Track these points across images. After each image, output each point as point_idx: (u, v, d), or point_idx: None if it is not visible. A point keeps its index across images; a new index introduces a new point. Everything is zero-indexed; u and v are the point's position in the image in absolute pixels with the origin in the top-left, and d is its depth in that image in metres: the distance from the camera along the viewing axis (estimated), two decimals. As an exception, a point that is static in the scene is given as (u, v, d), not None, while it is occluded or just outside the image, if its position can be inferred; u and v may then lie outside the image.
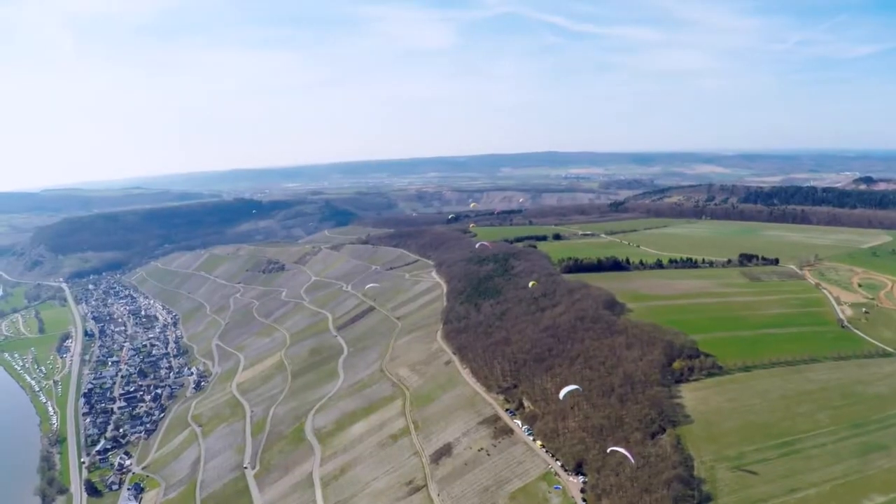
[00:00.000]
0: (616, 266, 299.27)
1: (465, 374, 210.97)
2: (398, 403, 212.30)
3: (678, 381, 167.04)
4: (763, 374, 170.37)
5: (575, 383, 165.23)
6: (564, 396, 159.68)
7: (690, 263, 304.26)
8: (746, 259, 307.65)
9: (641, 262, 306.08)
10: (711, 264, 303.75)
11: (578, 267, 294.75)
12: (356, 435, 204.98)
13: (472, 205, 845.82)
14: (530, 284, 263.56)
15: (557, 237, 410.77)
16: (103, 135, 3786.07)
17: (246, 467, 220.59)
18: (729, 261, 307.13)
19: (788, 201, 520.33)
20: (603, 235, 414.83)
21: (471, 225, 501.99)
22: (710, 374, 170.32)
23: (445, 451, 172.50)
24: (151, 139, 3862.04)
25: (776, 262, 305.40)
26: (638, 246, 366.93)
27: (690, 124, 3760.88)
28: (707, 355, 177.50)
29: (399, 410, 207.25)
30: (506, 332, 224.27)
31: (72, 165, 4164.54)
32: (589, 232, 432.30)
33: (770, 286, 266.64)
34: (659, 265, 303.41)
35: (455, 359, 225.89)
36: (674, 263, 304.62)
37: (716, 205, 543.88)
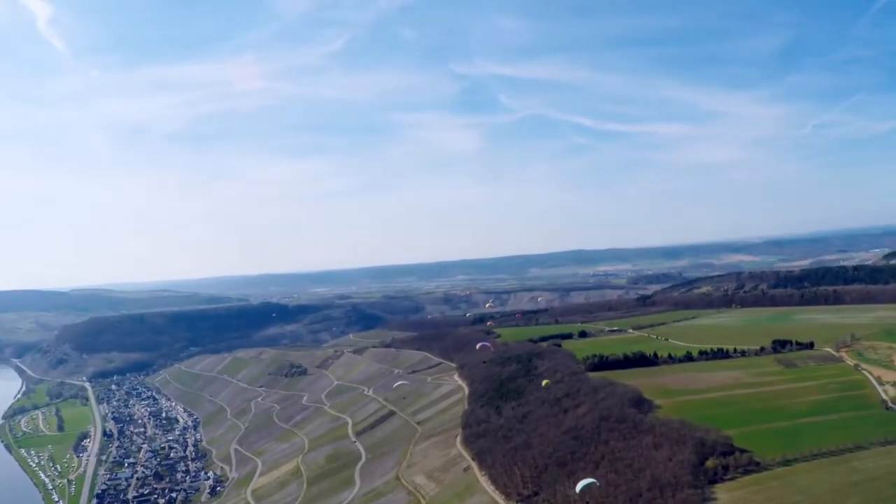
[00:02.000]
0: (643, 361, 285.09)
1: (484, 481, 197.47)
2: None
3: (712, 482, 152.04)
4: (805, 468, 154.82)
5: (601, 487, 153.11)
6: (581, 490, 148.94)
7: (721, 354, 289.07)
8: (780, 345, 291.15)
9: (670, 356, 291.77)
10: (744, 353, 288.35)
11: (604, 364, 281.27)
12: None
13: (486, 305, 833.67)
14: (543, 384, 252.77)
15: (583, 334, 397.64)
16: (135, 237, 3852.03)
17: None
18: (762, 348, 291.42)
19: (819, 283, 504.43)
20: (630, 330, 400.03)
21: (488, 323, 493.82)
22: (746, 472, 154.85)
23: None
24: (182, 243, 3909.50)
25: (811, 345, 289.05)
26: (666, 339, 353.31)
27: (718, 215, 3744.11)
28: (743, 451, 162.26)
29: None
30: (526, 436, 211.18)
31: (102, 266, 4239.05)
32: (616, 328, 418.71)
33: (807, 371, 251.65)
34: (689, 357, 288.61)
35: (474, 465, 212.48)
36: (704, 355, 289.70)
37: (745, 292, 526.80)
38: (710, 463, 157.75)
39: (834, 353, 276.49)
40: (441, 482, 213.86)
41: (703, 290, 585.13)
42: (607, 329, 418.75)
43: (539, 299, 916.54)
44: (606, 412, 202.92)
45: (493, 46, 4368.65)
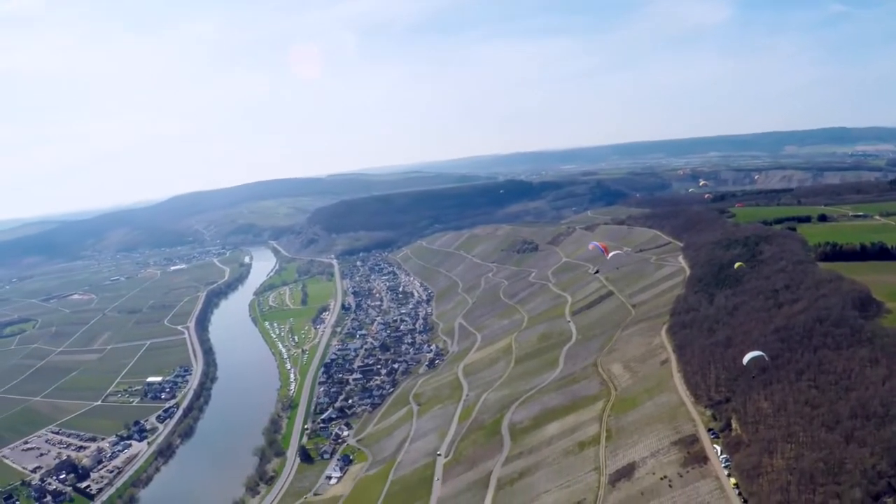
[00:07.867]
0: (883, 253, 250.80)
1: (678, 378, 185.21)
2: (599, 406, 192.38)
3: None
4: None
5: (798, 405, 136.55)
6: (748, 363, 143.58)
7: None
8: None
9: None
10: None
11: (837, 254, 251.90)
12: (548, 436, 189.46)
13: (701, 183, 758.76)
14: (735, 266, 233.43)
15: (823, 218, 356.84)
16: (388, 125, 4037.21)
17: (439, 454, 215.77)
18: None
19: None
20: (877, 217, 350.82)
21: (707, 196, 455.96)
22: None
23: (627, 472, 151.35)
24: (434, 128, 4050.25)
25: None
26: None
27: None
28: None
29: (597, 414, 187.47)
30: (731, 330, 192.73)
31: (360, 155, 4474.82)
32: (861, 213, 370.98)
33: None
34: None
35: (673, 357, 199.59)
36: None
37: None
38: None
39: None
40: (636, 374, 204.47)
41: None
42: (851, 214, 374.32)
43: (757, 179, 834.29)
44: (824, 312, 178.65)
45: None
